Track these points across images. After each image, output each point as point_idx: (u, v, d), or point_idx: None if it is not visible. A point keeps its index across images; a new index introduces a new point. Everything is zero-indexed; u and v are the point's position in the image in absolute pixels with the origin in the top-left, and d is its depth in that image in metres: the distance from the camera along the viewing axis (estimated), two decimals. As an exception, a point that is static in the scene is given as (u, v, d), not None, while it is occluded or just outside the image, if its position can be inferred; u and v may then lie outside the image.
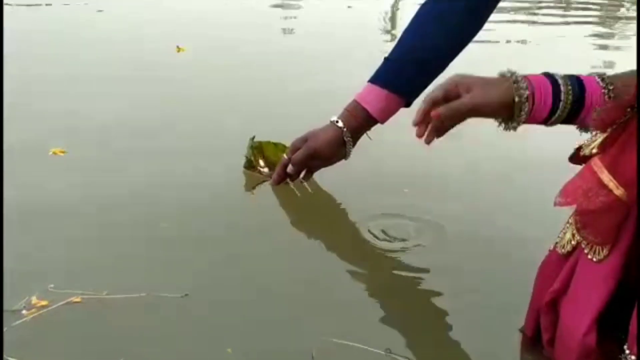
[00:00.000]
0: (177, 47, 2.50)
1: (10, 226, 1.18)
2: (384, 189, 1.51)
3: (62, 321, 1.01)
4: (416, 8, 1.30)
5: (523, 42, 3.14)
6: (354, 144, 1.37)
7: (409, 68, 1.31)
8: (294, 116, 1.91)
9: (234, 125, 1.83)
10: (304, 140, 1.37)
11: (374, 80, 1.33)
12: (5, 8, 3.27)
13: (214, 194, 1.45)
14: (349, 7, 3.89)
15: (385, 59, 1.34)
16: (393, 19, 3.74)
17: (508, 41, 3.10)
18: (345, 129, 1.34)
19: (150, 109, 1.97)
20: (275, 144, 1.52)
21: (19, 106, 1.88)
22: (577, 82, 0.95)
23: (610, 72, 0.96)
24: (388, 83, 1.32)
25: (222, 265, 1.20)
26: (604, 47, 3.22)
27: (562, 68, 0.98)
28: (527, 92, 0.94)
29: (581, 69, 1.00)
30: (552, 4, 4.50)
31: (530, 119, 0.97)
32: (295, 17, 3.60)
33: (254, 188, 1.49)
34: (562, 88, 0.94)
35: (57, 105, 1.97)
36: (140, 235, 1.28)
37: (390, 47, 1.34)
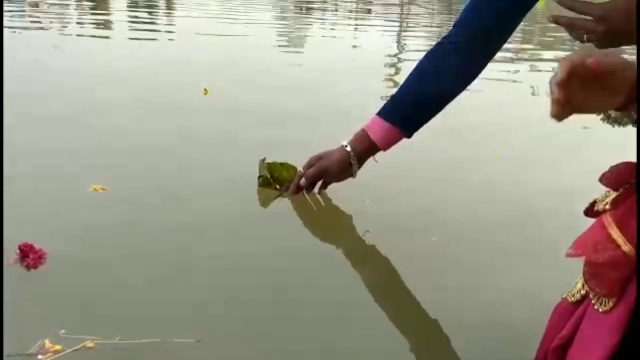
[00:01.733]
0: (205, 89, 2.70)
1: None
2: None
3: (78, 366, 1.01)
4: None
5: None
6: (360, 166, 1.63)
7: (410, 106, 1.52)
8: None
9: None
10: (318, 158, 1.63)
11: (380, 113, 1.55)
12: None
13: (230, 233, 1.51)
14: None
15: (392, 96, 1.55)
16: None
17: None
18: (352, 153, 1.56)
19: (183, 146, 2.04)
20: (282, 164, 1.71)
21: (60, 140, 1.98)
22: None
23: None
24: (390, 117, 1.53)
25: (236, 310, 1.19)
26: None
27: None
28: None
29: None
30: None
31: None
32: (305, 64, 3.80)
33: (275, 199, 1.67)
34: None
35: (97, 140, 2.03)
36: (154, 279, 1.27)
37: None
